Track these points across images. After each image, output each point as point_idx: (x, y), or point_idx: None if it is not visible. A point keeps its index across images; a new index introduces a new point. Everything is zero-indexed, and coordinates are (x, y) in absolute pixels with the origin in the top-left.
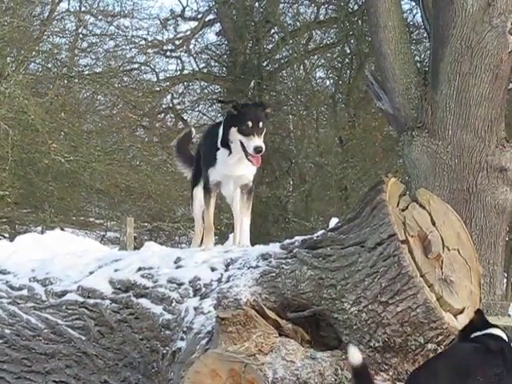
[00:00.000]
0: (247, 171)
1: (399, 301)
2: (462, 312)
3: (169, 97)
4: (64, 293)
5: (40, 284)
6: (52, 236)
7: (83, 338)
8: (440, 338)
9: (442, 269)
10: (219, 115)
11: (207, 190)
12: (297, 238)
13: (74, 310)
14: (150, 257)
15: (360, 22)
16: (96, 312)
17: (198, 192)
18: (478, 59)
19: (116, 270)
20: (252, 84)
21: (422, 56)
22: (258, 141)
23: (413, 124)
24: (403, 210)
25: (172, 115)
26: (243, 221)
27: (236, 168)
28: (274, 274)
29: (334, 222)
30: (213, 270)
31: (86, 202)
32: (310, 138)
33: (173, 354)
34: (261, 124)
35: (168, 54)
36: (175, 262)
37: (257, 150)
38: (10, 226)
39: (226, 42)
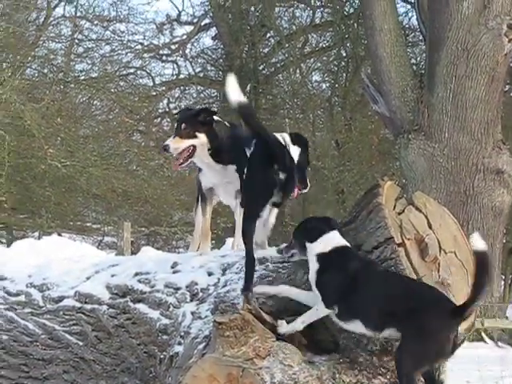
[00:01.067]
0: (233, 177)
1: None
2: None
3: (165, 101)
4: (61, 298)
5: (37, 290)
6: (49, 241)
7: (81, 343)
8: None
9: (438, 272)
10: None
11: (201, 196)
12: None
13: (72, 315)
14: (147, 262)
15: (356, 25)
16: (93, 317)
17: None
18: (473, 61)
19: (113, 275)
20: (248, 88)
21: (418, 59)
22: (167, 140)
23: (409, 127)
24: (400, 214)
25: (168, 119)
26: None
27: (220, 175)
28: (271, 279)
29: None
30: (210, 274)
31: (82, 207)
32: None
33: (170, 359)
34: (182, 125)
35: (164, 58)
36: (172, 267)
37: (163, 147)
38: (7, 232)
39: (221, 46)
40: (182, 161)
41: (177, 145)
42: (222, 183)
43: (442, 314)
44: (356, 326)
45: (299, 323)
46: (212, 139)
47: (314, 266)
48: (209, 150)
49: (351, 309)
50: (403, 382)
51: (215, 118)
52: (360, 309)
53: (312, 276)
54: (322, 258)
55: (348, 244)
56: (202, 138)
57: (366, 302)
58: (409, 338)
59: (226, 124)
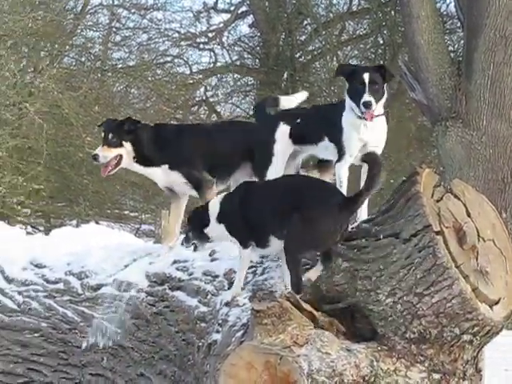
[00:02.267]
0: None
1: (434, 292)
2: (497, 303)
3: (202, 89)
4: (99, 286)
5: (76, 277)
6: (87, 229)
7: (119, 330)
8: (476, 328)
9: (477, 259)
10: (252, 107)
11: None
12: None
13: (110, 303)
14: (185, 249)
15: (393, 12)
16: (131, 305)
17: None
18: None
19: (151, 263)
20: (285, 76)
21: (456, 46)
22: (97, 150)
23: (447, 114)
24: (438, 201)
25: (206, 108)
26: None
27: (159, 176)
28: (308, 266)
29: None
30: None
31: (120, 195)
32: None
33: (208, 347)
34: (109, 135)
35: (201, 46)
36: (210, 255)
37: (93, 156)
38: (45, 220)
39: (258, 34)
40: (110, 168)
41: (105, 154)
42: (169, 182)
43: (327, 204)
44: (275, 245)
45: (237, 281)
46: (137, 147)
47: (221, 228)
48: (134, 157)
49: (261, 232)
50: (288, 264)
51: (139, 125)
52: (267, 225)
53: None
54: (219, 217)
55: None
56: (127, 147)
57: (267, 214)
58: (294, 223)
59: (152, 126)
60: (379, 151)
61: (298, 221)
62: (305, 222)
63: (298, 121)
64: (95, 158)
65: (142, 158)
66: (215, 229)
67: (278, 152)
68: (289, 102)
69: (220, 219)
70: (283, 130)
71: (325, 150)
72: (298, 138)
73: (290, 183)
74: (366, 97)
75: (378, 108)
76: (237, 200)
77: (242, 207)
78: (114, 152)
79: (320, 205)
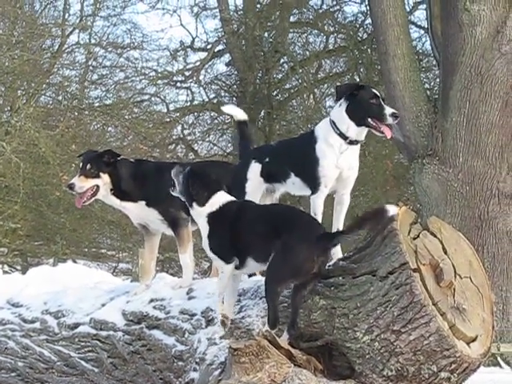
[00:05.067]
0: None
1: (412, 329)
2: (474, 340)
3: (179, 127)
4: (76, 325)
5: (53, 316)
6: (64, 268)
7: (96, 370)
8: (453, 366)
9: (454, 297)
10: (229, 145)
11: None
12: None
13: (87, 342)
14: (162, 288)
15: (369, 50)
16: (109, 344)
17: None
18: (487, 86)
19: (128, 302)
20: (262, 114)
21: (432, 84)
22: (73, 179)
23: (423, 152)
24: (414, 239)
25: (183, 146)
26: None
27: (133, 211)
28: (286, 304)
29: None
30: None
31: (97, 234)
32: None
33: None
34: (87, 165)
35: (178, 84)
36: (187, 293)
37: (68, 186)
38: (22, 259)
39: (235, 73)
40: (85, 199)
41: (82, 184)
42: (144, 218)
43: (307, 235)
44: (251, 266)
45: (218, 297)
46: (115, 179)
47: (205, 227)
48: (111, 190)
49: (242, 252)
50: (267, 296)
51: (119, 158)
52: (249, 247)
53: (205, 241)
54: (210, 217)
55: (233, 198)
56: (105, 179)
57: (251, 238)
58: (275, 254)
59: (132, 161)
60: (353, 179)
61: (279, 248)
62: (284, 250)
63: (267, 160)
64: (71, 187)
65: (120, 192)
66: (199, 219)
67: (249, 191)
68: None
69: (209, 220)
70: (254, 170)
71: (292, 185)
72: (267, 176)
73: (277, 211)
74: (390, 108)
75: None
76: (229, 217)
77: (230, 225)
78: (90, 182)
79: (299, 233)
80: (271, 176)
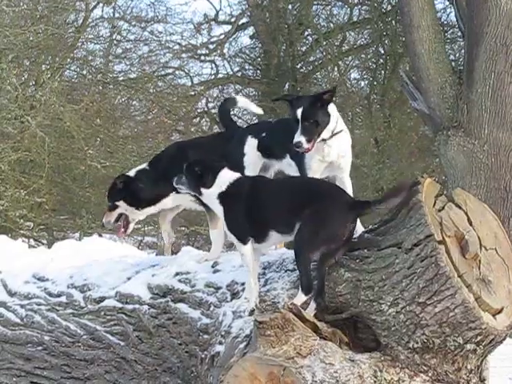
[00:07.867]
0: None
1: (437, 301)
2: (500, 311)
3: (204, 101)
4: (102, 299)
5: (78, 290)
6: (89, 242)
7: (122, 343)
8: (479, 338)
9: (479, 268)
10: (254, 118)
11: None
12: None
13: (113, 315)
14: (188, 261)
15: (394, 22)
16: (134, 317)
17: None
18: None
19: (153, 275)
20: (286, 86)
21: (457, 55)
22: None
23: (448, 123)
24: (440, 211)
25: (207, 119)
26: None
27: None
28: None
29: None
30: None
31: None
32: None
33: (211, 359)
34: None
35: (202, 58)
36: (212, 267)
37: (102, 224)
38: (47, 233)
39: (259, 45)
40: (123, 229)
41: (107, 219)
42: (178, 205)
43: (337, 203)
44: (273, 239)
45: (249, 278)
46: (132, 199)
47: (218, 208)
48: (138, 207)
49: (263, 226)
50: (299, 264)
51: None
52: (271, 220)
53: (223, 223)
54: (222, 197)
55: (239, 174)
56: (123, 206)
57: (273, 210)
58: (305, 222)
59: (132, 174)
60: (347, 165)
61: (310, 216)
62: (317, 217)
63: (264, 135)
64: (103, 225)
65: (150, 201)
66: (211, 202)
67: (248, 165)
68: (246, 104)
69: (221, 201)
70: (251, 144)
71: (288, 166)
72: (264, 152)
73: (299, 182)
74: (297, 137)
75: (325, 133)
76: (243, 194)
77: (246, 201)
78: (113, 215)
79: (331, 201)
80: (268, 151)
